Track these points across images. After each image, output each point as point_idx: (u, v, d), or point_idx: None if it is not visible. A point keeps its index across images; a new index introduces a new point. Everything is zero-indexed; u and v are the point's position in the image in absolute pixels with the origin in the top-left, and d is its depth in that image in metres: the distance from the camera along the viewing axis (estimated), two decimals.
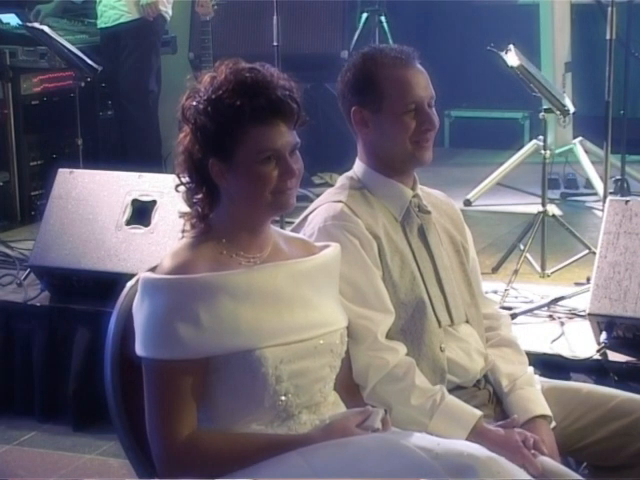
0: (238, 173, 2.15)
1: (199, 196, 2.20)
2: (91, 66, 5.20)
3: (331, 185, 2.67)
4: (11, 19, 6.01)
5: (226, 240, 2.20)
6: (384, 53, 2.52)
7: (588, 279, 4.03)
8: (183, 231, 2.24)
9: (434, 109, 2.52)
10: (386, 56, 2.50)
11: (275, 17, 4.88)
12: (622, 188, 5.55)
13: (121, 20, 5.90)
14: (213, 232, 2.20)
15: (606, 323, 3.51)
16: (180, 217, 2.24)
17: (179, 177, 2.22)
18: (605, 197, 4.40)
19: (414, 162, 2.53)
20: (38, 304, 4.26)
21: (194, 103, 2.16)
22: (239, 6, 6.37)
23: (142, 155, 5.83)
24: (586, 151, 6.10)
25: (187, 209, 2.23)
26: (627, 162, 5.66)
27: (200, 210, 2.20)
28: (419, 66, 2.52)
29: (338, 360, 2.26)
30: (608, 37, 4.55)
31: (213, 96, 2.14)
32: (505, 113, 7.57)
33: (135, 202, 4.21)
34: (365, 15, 6.54)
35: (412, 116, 2.48)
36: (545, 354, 3.56)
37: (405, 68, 2.49)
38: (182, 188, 2.22)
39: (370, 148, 2.55)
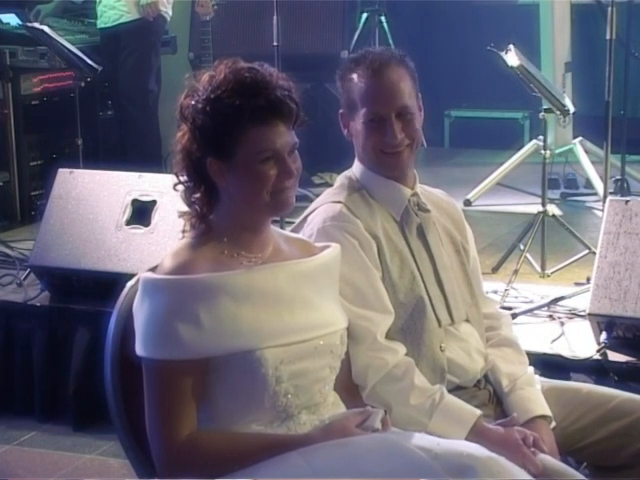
0: (237, 173, 2.15)
1: (197, 195, 2.20)
2: (91, 66, 5.20)
3: (331, 185, 2.67)
4: (11, 19, 6.01)
5: (227, 239, 2.20)
6: (360, 61, 2.52)
7: (588, 279, 4.02)
8: (183, 231, 2.24)
9: (412, 117, 2.50)
10: (359, 65, 2.50)
11: (275, 17, 4.89)
12: (622, 188, 5.55)
13: (121, 20, 5.90)
14: (214, 232, 2.20)
15: (606, 323, 3.51)
16: (180, 217, 2.24)
17: (177, 176, 2.22)
18: (605, 197, 4.40)
19: (385, 170, 2.53)
20: (38, 304, 4.26)
21: (193, 102, 2.16)
22: (239, 6, 6.37)
23: (142, 155, 5.82)
24: (586, 151, 6.10)
25: (186, 208, 2.23)
26: (627, 162, 5.66)
27: (199, 209, 2.20)
28: (392, 74, 2.48)
29: (338, 361, 2.26)
30: (608, 37, 4.55)
31: (212, 95, 2.14)
32: (505, 113, 7.57)
33: (135, 202, 4.21)
34: (365, 15, 6.54)
35: (372, 127, 2.48)
36: (545, 354, 3.57)
37: (371, 79, 2.47)
38: (180, 187, 2.23)
39: (358, 151, 2.56)
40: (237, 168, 2.15)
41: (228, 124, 2.13)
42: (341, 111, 2.56)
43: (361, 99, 2.49)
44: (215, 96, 2.14)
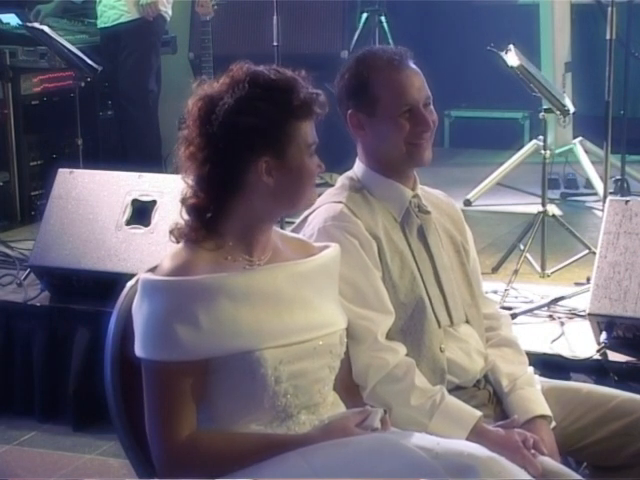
0: (290, 168, 2.17)
1: (209, 214, 2.19)
2: (91, 66, 5.20)
3: (331, 185, 2.67)
4: (11, 19, 6.01)
5: (233, 244, 2.19)
6: (376, 56, 2.52)
7: (588, 279, 4.03)
8: (178, 236, 2.23)
9: (432, 108, 2.52)
10: (379, 59, 2.50)
11: (275, 17, 4.89)
12: (622, 188, 5.55)
13: (121, 20, 5.90)
14: (215, 234, 2.20)
15: (606, 323, 3.51)
16: (186, 224, 2.23)
17: (196, 195, 2.19)
18: (605, 197, 4.40)
19: (412, 163, 2.54)
20: (38, 304, 4.26)
21: (226, 106, 2.13)
22: (239, 6, 6.37)
23: (142, 155, 5.82)
24: (586, 151, 6.10)
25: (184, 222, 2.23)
26: (627, 162, 5.66)
27: (206, 223, 2.19)
28: (413, 67, 2.52)
29: (337, 361, 2.26)
30: (608, 37, 4.55)
31: (253, 94, 2.14)
32: (505, 113, 7.57)
33: (135, 202, 4.21)
34: (365, 15, 6.54)
35: (406, 118, 2.47)
36: (545, 354, 3.56)
37: (397, 70, 2.48)
38: (192, 201, 2.20)
39: (368, 151, 2.55)
40: (289, 163, 2.17)
41: (282, 120, 2.14)
42: (350, 111, 2.52)
43: (389, 91, 2.47)
44: (258, 96, 2.13)
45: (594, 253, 3.86)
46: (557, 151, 6.05)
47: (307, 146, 2.18)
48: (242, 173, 2.16)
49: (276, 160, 2.16)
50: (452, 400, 2.42)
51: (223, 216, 2.19)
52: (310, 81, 2.22)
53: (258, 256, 2.21)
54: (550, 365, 3.49)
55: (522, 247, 4.48)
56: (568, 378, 3.41)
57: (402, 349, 2.44)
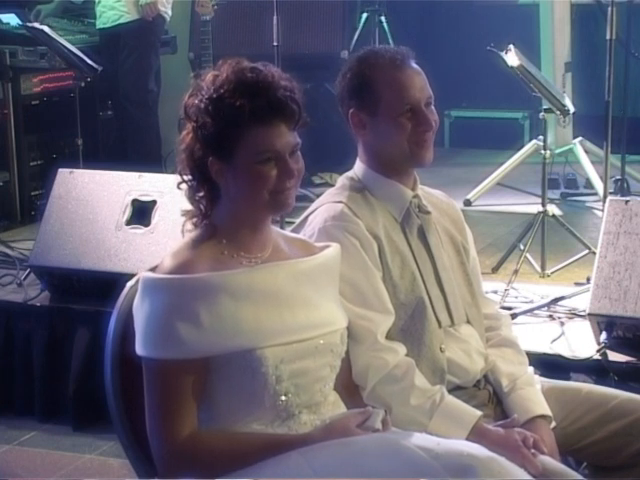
0: (237, 173, 2.16)
1: (201, 194, 2.21)
2: (91, 66, 5.20)
3: (331, 185, 2.67)
4: (11, 19, 6.01)
5: (227, 240, 2.20)
6: (379, 55, 2.52)
7: (588, 279, 4.03)
8: (183, 230, 2.24)
9: (433, 108, 2.52)
10: (381, 58, 2.51)
11: (275, 17, 4.89)
12: (622, 188, 5.55)
13: (120, 21, 5.90)
14: (214, 232, 2.20)
15: (606, 323, 3.51)
16: (182, 215, 2.24)
17: (181, 175, 2.22)
18: (605, 197, 4.40)
19: (413, 163, 2.54)
20: (38, 304, 4.26)
21: (196, 101, 2.17)
22: (239, 6, 6.37)
23: (142, 155, 5.83)
24: (586, 151, 6.11)
25: (189, 207, 2.23)
26: (627, 162, 5.65)
27: (203, 208, 2.21)
28: (415, 66, 2.52)
29: (338, 360, 2.27)
30: (608, 37, 4.55)
31: (214, 95, 2.15)
32: (505, 113, 7.58)
33: (135, 202, 4.21)
34: (365, 15, 6.55)
35: (408, 117, 2.48)
36: (545, 354, 3.56)
37: (400, 70, 2.49)
38: (184, 186, 2.23)
39: (369, 150, 2.55)
40: (237, 168, 2.16)
41: (228, 124, 2.13)
42: (352, 110, 2.52)
43: (391, 90, 2.47)
44: (217, 96, 2.14)
45: (594, 253, 3.86)
46: (557, 151, 6.06)
47: (257, 153, 2.14)
48: (204, 170, 2.17)
49: (222, 162, 2.15)
50: (452, 400, 2.42)
51: (214, 212, 2.21)
52: (296, 84, 2.19)
53: (255, 254, 2.21)
54: (550, 365, 3.49)
55: (522, 247, 4.48)
56: (568, 378, 3.41)
57: (402, 349, 2.44)
